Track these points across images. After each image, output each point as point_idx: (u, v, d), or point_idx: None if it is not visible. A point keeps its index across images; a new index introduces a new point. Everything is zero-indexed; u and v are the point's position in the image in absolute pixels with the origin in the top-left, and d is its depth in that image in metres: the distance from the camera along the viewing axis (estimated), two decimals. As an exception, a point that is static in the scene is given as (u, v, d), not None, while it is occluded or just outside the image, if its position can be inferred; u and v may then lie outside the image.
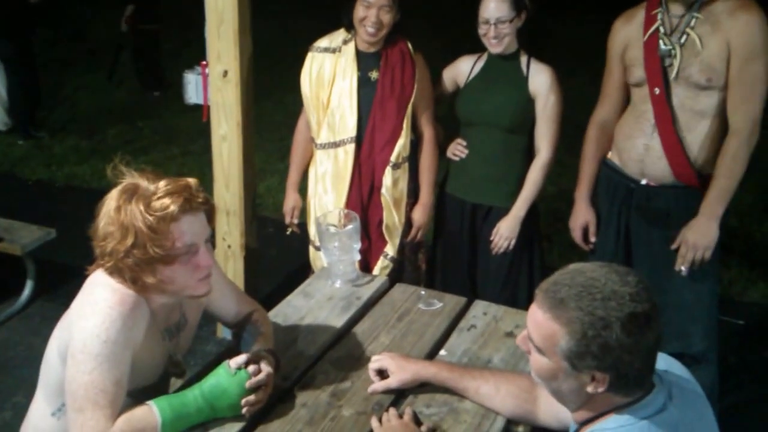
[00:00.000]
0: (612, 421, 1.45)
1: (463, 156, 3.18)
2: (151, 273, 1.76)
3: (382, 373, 2.06)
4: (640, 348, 1.38)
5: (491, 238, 3.16)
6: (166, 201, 1.72)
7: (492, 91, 3.09)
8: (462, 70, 3.21)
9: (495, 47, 3.03)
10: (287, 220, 3.41)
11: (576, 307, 1.38)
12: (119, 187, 1.77)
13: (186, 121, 7.02)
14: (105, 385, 1.71)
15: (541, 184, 3.14)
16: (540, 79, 3.06)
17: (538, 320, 1.45)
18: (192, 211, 1.76)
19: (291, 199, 3.40)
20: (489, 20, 2.97)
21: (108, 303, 1.75)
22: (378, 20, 2.99)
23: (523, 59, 3.08)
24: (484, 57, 3.15)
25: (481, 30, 3.01)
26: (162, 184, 1.75)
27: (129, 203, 1.72)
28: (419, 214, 3.27)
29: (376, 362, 2.07)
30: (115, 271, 1.77)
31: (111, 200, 1.76)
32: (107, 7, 8.83)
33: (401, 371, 2.02)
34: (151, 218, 1.70)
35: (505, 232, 3.13)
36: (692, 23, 2.66)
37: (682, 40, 2.68)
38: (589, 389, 1.43)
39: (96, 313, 1.74)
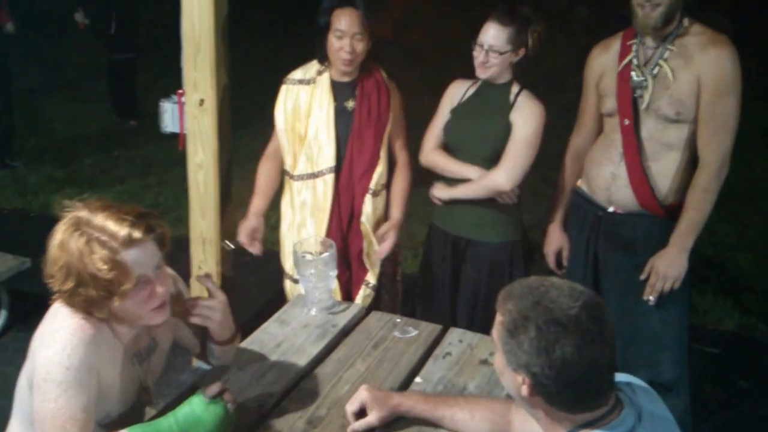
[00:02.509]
0: None
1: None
2: (101, 307, 1.74)
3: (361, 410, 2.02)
4: (552, 358, 1.41)
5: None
6: (107, 238, 1.68)
7: (476, 118, 3.06)
8: (456, 94, 3.17)
9: (480, 72, 3.00)
10: (243, 241, 3.23)
11: (514, 303, 1.48)
12: (64, 221, 1.74)
13: (162, 151, 7.00)
14: (72, 411, 1.69)
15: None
16: (523, 108, 3.00)
17: (496, 312, 1.55)
18: (135, 244, 1.71)
19: (251, 221, 3.25)
20: (483, 44, 2.94)
21: (68, 330, 1.74)
22: (352, 49, 3.01)
23: (514, 89, 3.04)
24: (477, 83, 3.13)
25: (474, 52, 2.98)
26: (104, 217, 1.71)
27: (70, 240, 1.69)
28: (390, 233, 3.14)
29: (353, 404, 2.01)
30: (68, 306, 1.76)
31: (56, 235, 1.73)
32: (81, 36, 8.82)
33: (379, 407, 1.98)
34: (90, 260, 1.67)
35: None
36: (665, 55, 2.72)
37: (655, 72, 2.73)
38: (522, 391, 1.48)
39: (57, 341, 1.73)
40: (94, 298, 1.71)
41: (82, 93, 9.36)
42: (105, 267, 1.67)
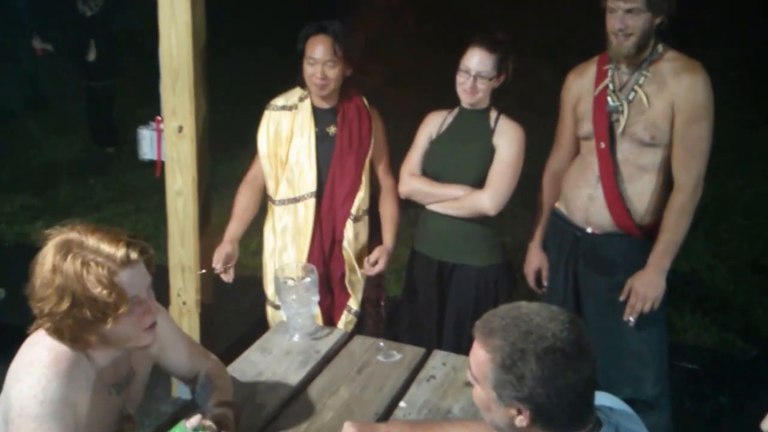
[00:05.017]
0: None
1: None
2: (93, 331, 1.72)
3: None
4: (557, 385, 1.42)
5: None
6: (103, 260, 1.68)
7: (458, 146, 3.08)
8: (434, 124, 3.17)
9: (467, 98, 3.01)
10: (218, 268, 3.08)
11: (501, 337, 1.46)
12: (52, 243, 1.72)
13: (140, 178, 6.96)
14: None
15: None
16: (505, 132, 3.03)
17: (474, 348, 1.53)
18: (132, 264, 1.72)
19: (226, 247, 3.10)
20: (470, 71, 2.96)
21: (43, 363, 1.71)
22: (324, 76, 3.04)
23: (493, 114, 3.06)
24: (455, 112, 3.14)
25: (460, 78, 2.99)
26: (96, 239, 1.71)
27: (64, 262, 1.67)
28: (382, 259, 3.14)
29: None
30: (54, 332, 1.73)
31: (46, 258, 1.71)
32: (55, 62, 8.78)
33: None
34: (87, 281, 1.66)
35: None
36: (641, 81, 2.77)
37: (630, 97, 2.79)
38: (517, 422, 1.47)
39: (31, 374, 1.70)
40: (88, 319, 1.69)
41: (57, 120, 9.28)
42: (104, 291, 1.66)
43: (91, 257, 1.68)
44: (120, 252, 1.69)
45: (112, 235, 1.72)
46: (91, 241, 1.70)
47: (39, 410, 1.66)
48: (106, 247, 1.69)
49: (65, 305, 1.67)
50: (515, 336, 1.45)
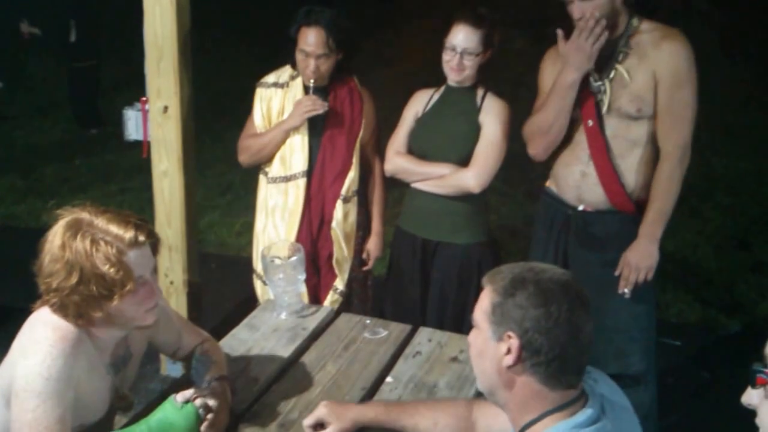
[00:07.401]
0: (549, 430, 1.47)
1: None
2: (98, 308, 1.76)
3: (321, 426, 1.97)
4: (550, 310, 1.45)
5: None
6: (112, 239, 1.73)
7: (444, 123, 3.08)
8: (420, 102, 3.17)
9: (454, 75, 3.00)
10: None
11: (506, 272, 1.52)
12: (63, 222, 1.77)
13: (124, 158, 6.94)
14: (49, 422, 1.70)
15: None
16: (491, 110, 3.03)
17: (480, 295, 1.56)
18: (139, 246, 1.77)
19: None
20: (456, 48, 2.95)
21: (49, 341, 1.74)
22: (316, 68, 3.04)
23: (480, 91, 3.06)
24: (441, 89, 3.14)
25: (446, 56, 2.99)
26: (106, 220, 1.76)
27: (74, 240, 1.72)
28: (374, 245, 3.35)
29: (310, 419, 1.97)
30: (60, 308, 1.76)
31: (55, 236, 1.75)
32: (36, 44, 8.72)
33: (339, 421, 1.94)
34: (96, 258, 1.70)
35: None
36: (620, 58, 2.76)
37: (611, 75, 2.77)
38: (505, 362, 1.48)
39: (37, 352, 1.73)
40: (94, 296, 1.73)
41: (41, 102, 9.23)
42: (112, 269, 1.71)
43: (101, 236, 1.73)
44: (128, 233, 1.74)
45: (122, 217, 1.78)
46: (101, 221, 1.75)
47: (43, 387, 1.70)
48: (115, 228, 1.75)
49: (73, 281, 1.71)
50: (519, 271, 1.51)
